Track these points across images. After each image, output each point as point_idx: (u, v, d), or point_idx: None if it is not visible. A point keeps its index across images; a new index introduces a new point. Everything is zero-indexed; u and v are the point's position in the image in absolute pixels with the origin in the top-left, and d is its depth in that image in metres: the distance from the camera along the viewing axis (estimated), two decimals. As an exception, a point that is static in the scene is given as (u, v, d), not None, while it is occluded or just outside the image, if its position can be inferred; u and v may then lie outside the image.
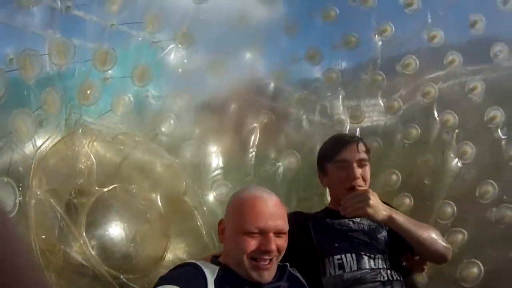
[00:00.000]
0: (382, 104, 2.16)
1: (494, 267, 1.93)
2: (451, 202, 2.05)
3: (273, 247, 1.28)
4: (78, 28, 1.52)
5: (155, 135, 1.80)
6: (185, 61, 1.81)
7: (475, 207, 2.03)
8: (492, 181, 2.04)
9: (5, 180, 1.32)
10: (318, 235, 1.65)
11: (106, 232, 1.59)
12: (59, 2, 1.42)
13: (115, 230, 1.61)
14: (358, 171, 1.66)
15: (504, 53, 2.22)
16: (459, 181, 2.08)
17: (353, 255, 1.59)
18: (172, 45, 1.78)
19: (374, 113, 2.17)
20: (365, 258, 1.59)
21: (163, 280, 1.24)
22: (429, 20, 2.23)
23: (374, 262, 1.60)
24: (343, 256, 1.59)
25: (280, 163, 2.05)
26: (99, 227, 1.58)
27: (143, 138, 1.77)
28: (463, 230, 1.99)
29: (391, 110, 2.18)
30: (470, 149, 2.11)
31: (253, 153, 1.99)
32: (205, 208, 1.87)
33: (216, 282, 1.25)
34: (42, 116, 1.50)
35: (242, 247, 1.28)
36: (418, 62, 2.17)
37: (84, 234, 1.52)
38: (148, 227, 1.71)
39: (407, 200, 2.08)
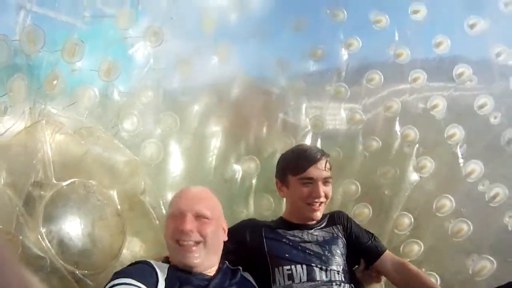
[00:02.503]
0: (344, 115, 2.57)
1: (450, 278, 2.33)
2: (409, 214, 2.44)
3: (188, 227, 1.59)
4: (49, 18, 1.81)
5: (117, 131, 2.09)
6: (151, 60, 2.14)
7: (432, 219, 2.44)
8: (449, 196, 2.43)
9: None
10: (269, 244, 1.94)
11: (63, 226, 1.86)
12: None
13: (72, 224, 1.88)
14: (322, 189, 1.96)
15: (467, 74, 2.69)
16: (417, 193, 2.49)
17: (303, 266, 1.87)
18: (141, 42, 2.11)
19: (336, 122, 2.57)
20: (316, 270, 1.87)
21: (118, 274, 1.49)
22: (396, 38, 2.69)
23: (326, 274, 1.88)
24: (292, 267, 1.87)
25: (239, 167, 2.40)
26: (56, 220, 1.84)
27: (106, 134, 2.07)
28: (419, 242, 2.38)
29: (352, 121, 2.59)
30: (429, 163, 2.54)
31: (213, 156, 2.33)
32: (162, 207, 2.16)
33: (166, 280, 1.53)
34: (7, 103, 1.77)
35: (166, 231, 1.65)
36: (382, 77, 2.61)
37: (42, 227, 1.77)
38: (104, 224, 1.98)
39: (366, 210, 2.47)
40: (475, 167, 2.49)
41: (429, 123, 2.60)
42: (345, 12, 2.58)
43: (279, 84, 2.54)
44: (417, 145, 2.56)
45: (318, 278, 1.86)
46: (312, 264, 1.88)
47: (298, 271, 1.87)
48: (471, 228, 2.37)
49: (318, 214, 2.00)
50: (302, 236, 1.99)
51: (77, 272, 1.82)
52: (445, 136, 2.56)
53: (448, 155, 2.55)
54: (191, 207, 1.65)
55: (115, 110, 2.12)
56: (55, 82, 1.90)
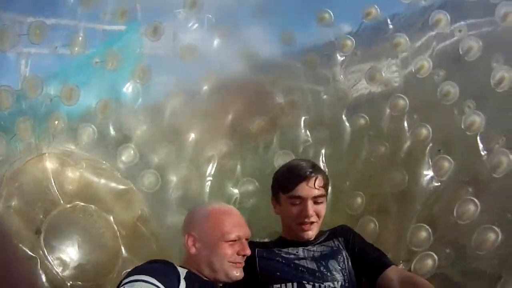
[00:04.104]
0: (347, 124, 2.77)
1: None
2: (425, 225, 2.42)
3: (248, 252, 1.97)
4: (45, 63, 2.44)
5: (115, 163, 2.58)
6: (140, 99, 2.66)
7: (452, 229, 2.38)
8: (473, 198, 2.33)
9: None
10: (262, 263, 2.14)
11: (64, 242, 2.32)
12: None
13: (72, 241, 2.34)
14: (312, 209, 2.09)
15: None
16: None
17: (294, 284, 2.02)
18: (131, 81, 2.65)
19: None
20: (308, 287, 2.00)
21: (140, 270, 1.72)
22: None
23: None
24: (283, 285, 2.03)
25: (236, 191, 2.72)
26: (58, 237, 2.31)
27: (105, 165, 2.56)
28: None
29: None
30: (447, 163, 2.49)
31: (209, 182, 2.69)
32: (160, 234, 2.53)
33: (186, 279, 1.80)
34: (16, 141, 2.38)
35: (223, 254, 1.92)
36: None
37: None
38: (101, 243, 2.40)
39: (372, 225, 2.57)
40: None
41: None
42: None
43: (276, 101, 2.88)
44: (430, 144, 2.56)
45: None
46: (304, 281, 2.02)
47: None
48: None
49: (310, 234, 2.13)
50: (296, 252, 2.15)
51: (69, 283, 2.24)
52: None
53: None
54: (247, 233, 2.02)
55: (113, 143, 2.61)
56: (56, 122, 2.48)
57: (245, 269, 2.00)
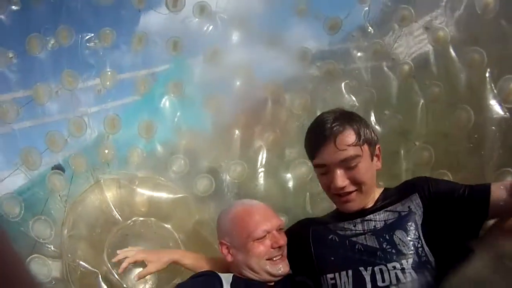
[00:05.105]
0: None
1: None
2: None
3: (282, 242, 1.86)
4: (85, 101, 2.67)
5: (168, 175, 2.66)
6: (178, 113, 2.74)
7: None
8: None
9: (43, 218, 2.37)
10: (316, 247, 1.83)
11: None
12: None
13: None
14: (342, 177, 1.66)
15: None
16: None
17: (349, 273, 1.65)
18: (166, 97, 2.75)
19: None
20: (366, 277, 1.61)
21: (180, 286, 1.83)
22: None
23: (383, 277, 1.58)
24: (336, 275, 1.68)
25: (289, 175, 2.62)
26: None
27: (159, 179, 2.66)
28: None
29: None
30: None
31: (261, 173, 2.62)
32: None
33: (232, 285, 1.81)
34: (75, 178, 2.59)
35: (257, 253, 1.84)
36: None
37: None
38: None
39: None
40: None
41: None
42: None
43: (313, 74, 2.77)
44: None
45: (369, 287, 1.60)
46: (361, 268, 1.63)
47: (342, 281, 1.67)
48: None
49: (351, 205, 1.74)
50: (354, 227, 1.75)
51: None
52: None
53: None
54: (275, 224, 1.89)
55: (162, 158, 2.71)
56: (106, 151, 2.66)
57: (300, 255, 1.87)
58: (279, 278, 1.85)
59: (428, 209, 1.66)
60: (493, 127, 2.20)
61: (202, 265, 2.10)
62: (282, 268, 1.83)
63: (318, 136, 1.68)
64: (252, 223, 1.87)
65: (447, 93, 2.40)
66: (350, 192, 1.69)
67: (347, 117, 1.71)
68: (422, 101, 2.45)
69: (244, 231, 1.87)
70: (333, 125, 1.65)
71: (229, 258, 1.91)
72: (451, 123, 2.33)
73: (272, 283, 1.86)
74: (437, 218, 1.63)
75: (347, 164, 1.65)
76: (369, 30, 2.64)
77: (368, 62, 2.64)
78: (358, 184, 1.68)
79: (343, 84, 2.66)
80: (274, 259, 1.84)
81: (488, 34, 2.35)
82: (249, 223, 1.87)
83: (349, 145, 1.63)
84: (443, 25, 2.43)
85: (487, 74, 2.26)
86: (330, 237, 1.78)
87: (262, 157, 2.68)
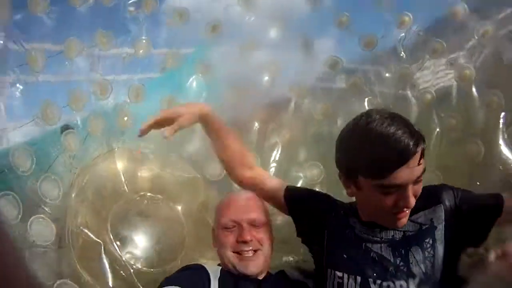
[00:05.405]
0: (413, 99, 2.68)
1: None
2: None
3: (248, 237, 1.80)
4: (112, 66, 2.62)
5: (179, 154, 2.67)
6: (204, 94, 2.75)
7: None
8: None
9: (52, 177, 2.32)
10: (331, 238, 1.80)
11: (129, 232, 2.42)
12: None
13: (138, 231, 2.43)
14: (412, 194, 1.54)
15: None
16: None
17: (358, 279, 1.65)
18: (194, 77, 2.76)
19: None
20: (373, 287, 1.62)
21: (168, 280, 1.76)
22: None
23: None
24: (345, 275, 1.68)
25: (301, 174, 2.69)
26: (123, 225, 2.42)
27: (173, 157, 2.66)
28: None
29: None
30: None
31: (273, 168, 2.69)
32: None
33: (220, 279, 1.78)
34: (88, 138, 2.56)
35: (223, 242, 1.84)
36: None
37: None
38: (168, 233, 2.48)
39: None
40: None
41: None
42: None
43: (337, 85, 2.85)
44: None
45: None
46: (370, 279, 1.64)
47: (350, 284, 1.68)
48: None
49: (404, 221, 1.64)
50: (372, 232, 1.71)
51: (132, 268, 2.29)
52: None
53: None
54: (245, 217, 1.85)
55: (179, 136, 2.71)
56: (125, 118, 2.63)
57: (312, 229, 1.87)
58: (247, 276, 1.80)
59: (449, 222, 1.65)
60: (500, 167, 2.39)
61: (226, 136, 2.14)
62: (250, 268, 1.79)
63: (398, 155, 1.48)
64: (224, 211, 1.90)
65: (463, 126, 2.58)
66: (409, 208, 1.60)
67: (412, 127, 1.55)
68: (438, 129, 2.60)
69: (217, 218, 1.94)
70: (411, 143, 1.48)
71: (213, 245, 1.96)
72: (461, 154, 2.50)
73: (260, 278, 1.85)
74: (456, 232, 1.64)
75: (418, 180, 1.55)
76: (401, 55, 2.75)
77: (393, 84, 2.76)
78: (415, 197, 1.58)
79: (366, 99, 2.76)
80: (242, 254, 1.81)
81: (508, 81, 2.52)
82: (222, 210, 1.91)
83: (421, 160, 1.53)
84: (470, 65, 2.60)
85: (501, 116, 2.45)
86: (347, 231, 1.76)
87: (276, 153, 2.74)
